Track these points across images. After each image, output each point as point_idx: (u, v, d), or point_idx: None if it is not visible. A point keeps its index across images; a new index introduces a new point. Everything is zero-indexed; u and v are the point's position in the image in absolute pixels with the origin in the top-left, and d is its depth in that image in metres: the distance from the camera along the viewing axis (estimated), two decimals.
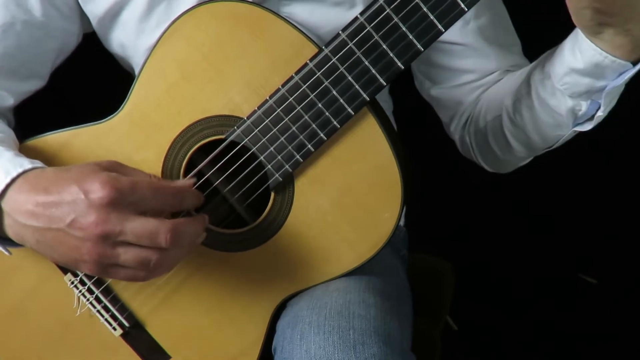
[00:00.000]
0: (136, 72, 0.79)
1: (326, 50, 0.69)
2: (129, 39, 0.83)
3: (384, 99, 0.99)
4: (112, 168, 0.67)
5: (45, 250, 0.67)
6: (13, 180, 0.66)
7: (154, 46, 0.73)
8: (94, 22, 0.84)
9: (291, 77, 0.70)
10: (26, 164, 0.68)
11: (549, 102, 0.77)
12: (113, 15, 0.82)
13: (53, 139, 0.78)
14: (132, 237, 0.63)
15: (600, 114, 0.74)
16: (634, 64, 0.68)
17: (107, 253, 0.64)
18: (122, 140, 0.76)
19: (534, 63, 0.82)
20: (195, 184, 0.73)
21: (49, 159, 0.76)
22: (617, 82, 0.69)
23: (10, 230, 0.67)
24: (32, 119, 1.02)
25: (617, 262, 1.78)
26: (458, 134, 0.95)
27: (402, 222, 1.07)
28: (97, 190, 0.62)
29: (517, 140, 0.85)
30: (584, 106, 0.74)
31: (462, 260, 1.37)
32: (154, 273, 0.67)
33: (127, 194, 0.63)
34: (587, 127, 0.77)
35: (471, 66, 0.88)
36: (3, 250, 0.72)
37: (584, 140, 0.81)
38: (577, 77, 0.71)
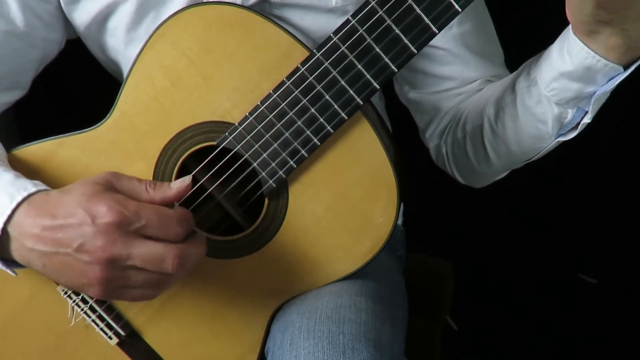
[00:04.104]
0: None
1: (318, 54, 0.67)
2: (119, 47, 0.82)
3: (376, 96, 0.97)
4: (109, 183, 0.66)
5: (52, 274, 0.66)
6: (18, 205, 0.65)
7: (140, 51, 0.72)
8: (80, 28, 0.82)
9: (283, 82, 0.69)
10: (30, 186, 0.67)
11: (534, 111, 0.75)
12: (100, 22, 0.81)
13: (38, 149, 0.77)
14: (138, 262, 0.63)
15: (587, 121, 0.72)
16: (625, 68, 0.66)
17: (115, 276, 0.63)
18: (110, 149, 0.75)
19: (517, 71, 0.80)
20: (191, 187, 0.71)
21: (35, 170, 0.76)
22: (607, 88, 0.67)
23: (17, 254, 0.67)
24: (24, 123, 1.02)
25: (616, 262, 1.78)
26: (434, 142, 0.93)
27: (399, 221, 1.06)
28: (104, 215, 0.62)
29: (496, 152, 0.83)
30: (570, 114, 0.72)
31: (462, 260, 1.37)
32: (161, 292, 0.66)
33: (133, 219, 0.62)
34: (570, 136, 0.75)
35: (451, 73, 0.87)
36: (9, 272, 0.71)
37: (582, 140, 0.80)
38: (566, 82, 0.69)
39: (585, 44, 0.66)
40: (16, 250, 0.66)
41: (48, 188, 0.68)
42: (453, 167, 0.92)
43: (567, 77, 0.69)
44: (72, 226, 0.63)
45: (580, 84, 0.69)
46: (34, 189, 0.67)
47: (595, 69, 0.66)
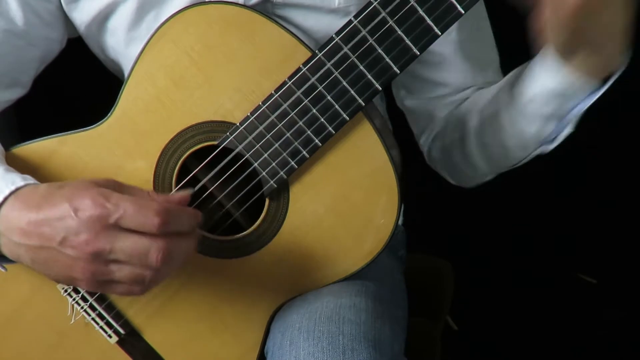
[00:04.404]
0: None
1: (320, 54, 0.67)
2: (120, 47, 0.82)
3: (378, 97, 0.98)
4: (109, 187, 0.65)
5: (40, 269, 0.66)
6: (5, 199, 0.65)
7: (142, 51, 0.72)
8: (81, 28, 0.82)
9: (284, 82, 0.69)
10: (18, 180, 0.67)
11: (515, 124, 0.77)
12: (100, 21, 0.80)
13: (39, 147, 0.76)
14: (122, 256, 0.62)
15: (567, 132, 0.75)
16: (602, 83, 0.68)
17: (100, 271, 0.62)
18: (111, 148, 0.75)
19: (500, 82, 0.82)
20: (191, 196, 0.69)
21: (35, 168, 0.75)
22: (587, 103, 0.70)
23: (6, 249, 0.66)
24: (24, 121, 1.02)
25: (616, 262, 1.78)
26: (427, 147, 0.95)
27: (400, 222, 1.06)
28: (87, 208, 0.61)
29: (480, 158, 0.86)
30: (551, 127, 0.75)
31: (462, 260, 1.36)
32: (149, 288, 0.65)
33: (112, 210, 0.61)
34: (551, 147, 0.77)
35: (445, 79, 0.88)
36: (0, 268, 0.71)
37: (582, 140, 0.81)
38: (547, 97, 0.72)
39: (563, 64, 0.68)
40: (5, 246, 0.66)
41: (37, 182, 0.68)
42: (443, 169, 0.95)
43: (548, 93, 0.71)
44: (56, 219, 0.62)
45: (561, 100, 0.71)
46: (22, 183, 0.66)
47: (574, 86, 0.69)
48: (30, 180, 0.68)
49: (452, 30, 0.84)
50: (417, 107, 0.93)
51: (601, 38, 0.63)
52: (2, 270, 0.71)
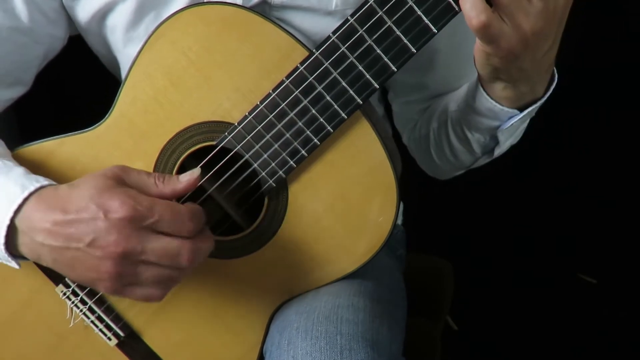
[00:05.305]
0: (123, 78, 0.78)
1: (316, 53, 0.67)
2: (119, 46, 0.82)
3: (376, 96, 0.99)
4: (119, 177, 0.66)
5: (62, 269, 0.66)
6: (30, 195, 0.65)
7: (140, 51, 0.72)
8: (81, 25, 0.82)
9: (282, 82, 0.69)
10: (42, 180, 0.67)
11: (458, 133, 0.85)
12: (100, 19, 0.81)
13: (38, 149, 0.76)
14: (153, 257, 0.63)
15: (499, 150, 0.84)
16: (521, 110, 0.75)
17: (127, 272, 0.63)
18: (110, 149, 0.75)
19: (453, 93, 0.89)
20: (200, 179, 0.71)
21: (34, 170, 0.74)
22: (508, 124, 0.77)
23: (26, 248, 0.67)
24: (24, 122, 1.02)
25: (616, 262, 1.78)
26: (406, 142, 1.02)
27: (399, 221, 1.06)
28: (117, 210, 0.62)
29: (439, 159, 0.93)
30: (486, 140, 0.82)
31: (462, 260, 1.36)
32: (168, 290, 0.67)
33: (146, 214, 0.62)
34: (495, 155, 0.85)
35: (426, 83, 0.92)
36: (14, 264, 0.70)
37: (582, 139, 0.81)
38: (475, 116, 0.79)
39: (485, 91, 0.75)
40: (25, 245, 0.66)
41: (57, 184, 0.68)
42: (418, 161, 1.02)
43: (476, 113, 0.78)
44: (84, 221, 0.62)
45: (487, 119, 0.78)
46: (45, 182, 0.67)
47: (495, 110, 0.76)
48: (52, 181, 0.68)
49: (440, 37, 0.85)
50: (400, 110, 0.97)
51: (517, 78, 0.70)
52: (16, 267, 0.70)
